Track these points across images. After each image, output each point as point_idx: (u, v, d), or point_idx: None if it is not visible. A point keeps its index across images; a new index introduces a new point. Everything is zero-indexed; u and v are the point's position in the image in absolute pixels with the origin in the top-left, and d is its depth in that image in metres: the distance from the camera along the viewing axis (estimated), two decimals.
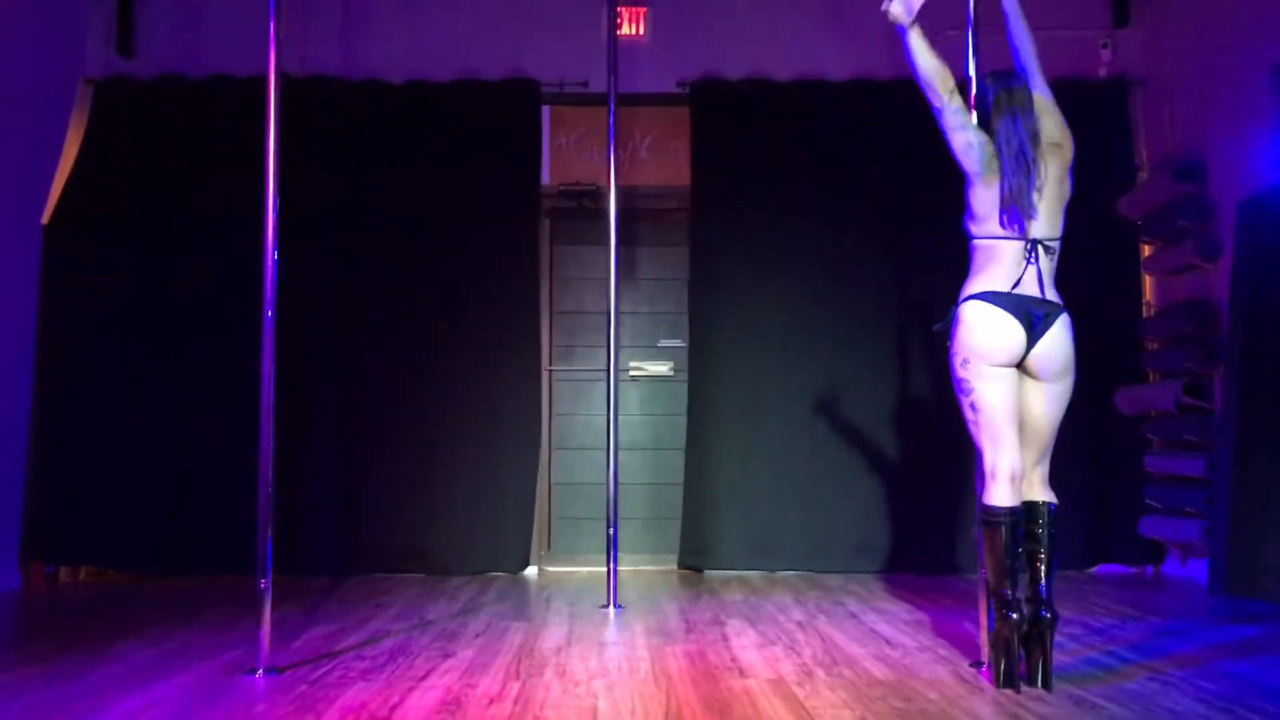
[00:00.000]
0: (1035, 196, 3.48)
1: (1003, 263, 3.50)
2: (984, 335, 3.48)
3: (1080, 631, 4.44)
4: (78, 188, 6.37)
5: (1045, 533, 3.51)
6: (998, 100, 3.58)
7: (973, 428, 3.56)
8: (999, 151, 3.51)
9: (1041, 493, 3.57)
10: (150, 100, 6.55)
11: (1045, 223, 3.50)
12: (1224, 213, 5.80)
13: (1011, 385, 3.51)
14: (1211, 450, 5.71)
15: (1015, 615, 3.41)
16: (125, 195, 6.42)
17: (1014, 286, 3.48)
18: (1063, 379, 3.54)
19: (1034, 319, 3.47)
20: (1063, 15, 6.69)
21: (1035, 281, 3.48)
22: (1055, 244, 3.53)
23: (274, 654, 3.85)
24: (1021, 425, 3.55)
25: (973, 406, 3.53)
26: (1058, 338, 3.49)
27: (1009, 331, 3.46)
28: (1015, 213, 3.47)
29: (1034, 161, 3.48)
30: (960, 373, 3.54)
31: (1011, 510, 3.48)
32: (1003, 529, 3.46)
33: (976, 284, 3.54)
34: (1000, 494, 3.49)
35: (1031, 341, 3.47)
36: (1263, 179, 5.39)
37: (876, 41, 6.69)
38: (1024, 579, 3.50)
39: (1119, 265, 6.53)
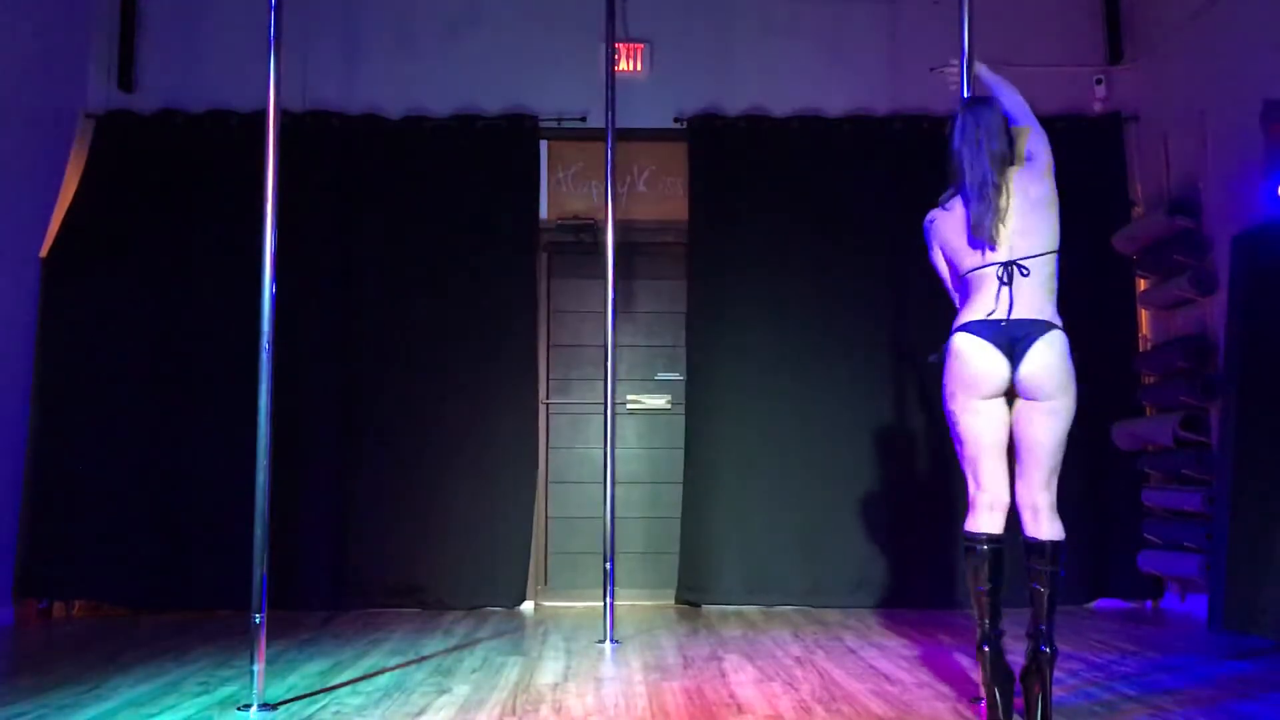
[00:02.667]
0: (999, 225, 3.45)
1: (981, 290, 3.50)
2: (967, 367, 3.46)
3: (1079, 667, 4.41)
4: (77, 221, 6.38)
5: (1048, 570, 3.42)
6: (964, 128, 3.58)
7: (960, 459, 3.57)
8: (962, 178, 3.52)
9: (1048, 530, 3.45)
10: (150, 134, 6.58)
11: (1021, 243, 3.46)
12: (1219, 247, 5.82)
13: (995, 417, 3.46)
14: (1210, 485, 5.70)
15: (988, 648, 3.38)
16: (124, 228, 6.43)
17: (992, 312, 3.44)
18: (1056, 398, 3.42)
19: (1014, 341, 3.41)
20: (1057, 52, 6.76)
21: (1009, 303, 3.43)
22: (1035, 261, 3.46)
23: (269, 689, 3.82)
24: (1022, 452, 3.49)
25: (958, 439, 3.53)
26: (1041, 356, 3.39)
27: (990, 361, 3.42)
28: (978, 240, 3.48)
29: (997, 189, 3.47)
30: (948, 405, 3.53)
31: (990, 538, 3.46)
32: (978, 556, 3.45)
33: (962, 315, 3.54)
34: (977, 520, 3.48)
35: (1015, 365, 3.41)
36: (1258, 213, 5.41)
37: (873, 76, 6.79)
38: (1014, 609, 3.47)
39: (1115, 300, 6.55)
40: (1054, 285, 3.50)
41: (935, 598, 6.23)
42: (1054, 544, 3.45)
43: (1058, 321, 3.46)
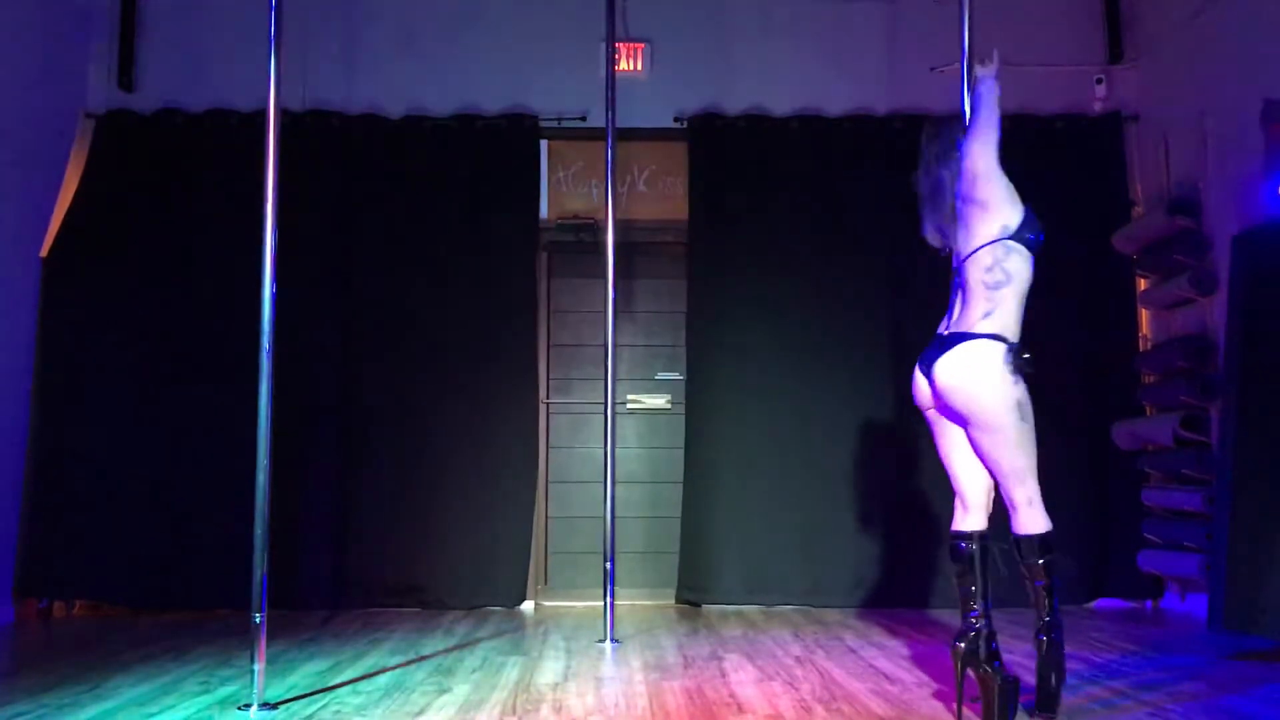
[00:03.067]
0: (963, 233, 3.46)
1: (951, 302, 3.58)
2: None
3: (1079, 666, 4.41)
4: (77, 220, 6.38)
5: (1037, 562, 3.41)
6: (922, 151, 3.62)
7: None
8: (922, 195, 3.57)
9: (1029, 524, 3.41)
10: (150, 134, 6.58)
11: (965, 245, 3.46)
12: (1219, 247, 5.82)
13: (945, 427, 3.51)
14: (1210, 485, 5.70)
15: (960, 644, 3.38)
16: (124, 228, 6.43)
17: (947, 327, 3.49)
18: (973, 416, 3.34)
19: (928, 360, 3.45)
20: (1057, 51, 6.75)
21: (955, 315, 3.48)
22: (969, 260, 3.40)
23: (269, 689, 3.82)
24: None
25: None
26: (939, 378, 3.38)
27: (917, 381, 3.51)
28: (950, 252, 3.53)
29: (952, 195, 3.48)
30: None
31: (965, 536, 3.47)
32: (953, 554, 3.49)
33: None
34: (955, 520, 3.54)
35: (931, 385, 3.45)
36: (1258, 213, 5.41)
37: (873, 76, 6.79)
38: (1019, 610, 3.47)
39: (1115, 299, 6.56)
40: (997, 276, 3.34)
41: (935, 597, 6.22)
42: (1038, 536, 3.41)
43: (982, 328, 3.34)
